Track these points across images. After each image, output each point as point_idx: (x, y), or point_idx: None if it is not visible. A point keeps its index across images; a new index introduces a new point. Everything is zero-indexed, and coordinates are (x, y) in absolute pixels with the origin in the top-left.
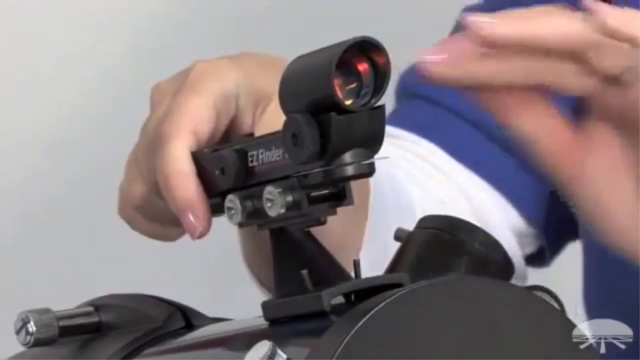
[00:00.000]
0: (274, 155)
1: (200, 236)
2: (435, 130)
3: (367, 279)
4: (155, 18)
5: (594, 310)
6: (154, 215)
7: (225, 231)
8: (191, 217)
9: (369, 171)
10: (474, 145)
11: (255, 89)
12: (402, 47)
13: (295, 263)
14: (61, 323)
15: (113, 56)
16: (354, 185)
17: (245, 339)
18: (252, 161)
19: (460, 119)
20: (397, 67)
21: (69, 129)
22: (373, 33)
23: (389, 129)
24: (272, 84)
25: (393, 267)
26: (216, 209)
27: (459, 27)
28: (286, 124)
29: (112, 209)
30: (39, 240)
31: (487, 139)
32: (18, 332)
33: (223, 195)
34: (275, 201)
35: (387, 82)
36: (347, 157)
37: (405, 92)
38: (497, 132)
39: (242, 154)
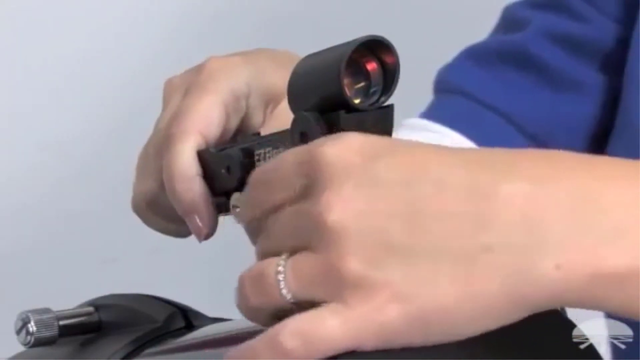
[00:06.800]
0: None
1: (207, 238)
2: (465, 122)
3: None
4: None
5: None
6: (164, 211)
7: (226, 231)
8: (197, 220)
9: None
10: (505, 139)
11: (267, 87)
12: (410, 47)
13: None
14: (61, 323)
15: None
16: None
17: (246, 339)
18: (258, 160)
19: (493, 113)
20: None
21: (69, 129)
22: (382, 32)
23: (414, 122)
24: (283, 82)
25: None
26: (222, 208)
27: (502, 25)
28: (295, 122)
29: (112, 209)
30: (39, 240)
31: (519, 133)
32: (18, 332)
33: (229, 193)
34: None
35: (396, 82)
36: None
37: (440, 86)
38: (530, 127)
39: (249, 153)
